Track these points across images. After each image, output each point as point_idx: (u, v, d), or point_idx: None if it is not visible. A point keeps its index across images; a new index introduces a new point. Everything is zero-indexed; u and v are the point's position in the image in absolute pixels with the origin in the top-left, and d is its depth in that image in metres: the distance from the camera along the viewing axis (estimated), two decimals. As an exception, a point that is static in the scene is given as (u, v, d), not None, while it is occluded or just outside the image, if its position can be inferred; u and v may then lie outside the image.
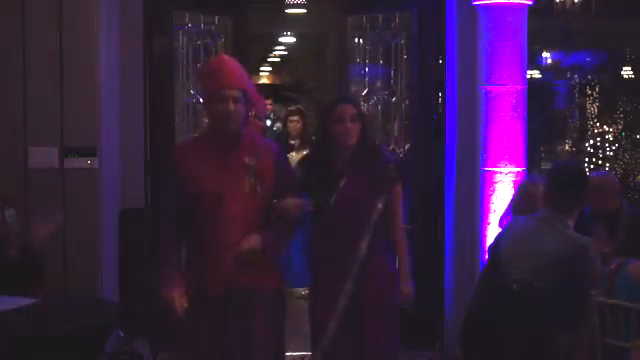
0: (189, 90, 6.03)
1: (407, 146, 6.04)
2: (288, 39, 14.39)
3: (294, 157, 6.73)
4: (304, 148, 7.08)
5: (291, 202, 3.72)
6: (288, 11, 10.84)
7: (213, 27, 6.16)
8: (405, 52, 6.04)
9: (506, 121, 5.28)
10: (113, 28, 5.38)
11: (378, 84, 6.23)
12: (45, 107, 5.09)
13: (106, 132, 5.24)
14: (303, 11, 10.80)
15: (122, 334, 5.02)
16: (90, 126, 5.14)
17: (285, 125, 7.80)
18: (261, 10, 9.38)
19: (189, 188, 3.64)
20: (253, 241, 3.61)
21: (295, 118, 7.52)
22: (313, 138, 4.50)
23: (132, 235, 5.36)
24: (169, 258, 3.68)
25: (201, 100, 3.87)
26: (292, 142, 7.47)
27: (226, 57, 3.88)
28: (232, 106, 3.59)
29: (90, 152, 5.12)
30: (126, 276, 5.35)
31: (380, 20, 6.13)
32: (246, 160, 3.66)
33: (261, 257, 3.64)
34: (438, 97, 5.89)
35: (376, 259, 4.01)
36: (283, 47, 15.65)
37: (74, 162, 5.12)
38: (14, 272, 4.30)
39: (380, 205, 4.00)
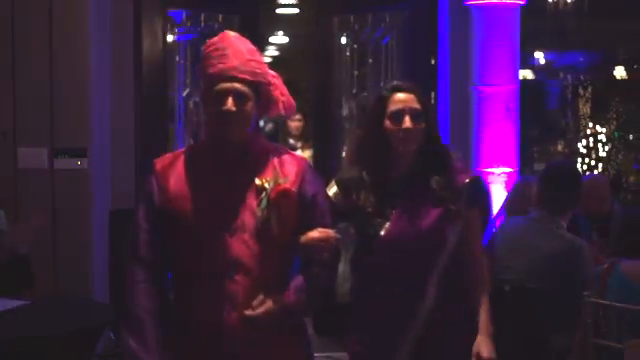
0: (184, 90, 6.01)
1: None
2: (279, 39, 14.38)
3: None
4: (308, 148, 7.15)
5: (319, 235, 2.62)
6: (279, 11, 10.83)
7: (217, 26, 6.10)
8: (396, 52, 6.03)
9: (499, 121, 5.27)
10: (104, 27, 5.35)
11: (368, 84, 6.21)
12: (35, 107, 5.07)
13: (96, 132, 5.21)
14: (294, 11, 10.79)
15: (113, 336, 4.99)
16: (80, 127, 5.12)
17: (280, 125, 7.80)
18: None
19: (170, 221, 2.63)
20: (268, 305, 2.57)
21: (298, 117, 7.50)
22: (357, 143, 3.13)
23: (123, 235, 5.32)
24: (142, 329, 2.60)
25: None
26: (292, 142, 7.48)
27: (231, 34, 2.71)
28: (232, 105, 2.56)
29: (80, 153, 5.10)
30: (117, 277, 5.32)
31: (370, 20, 6.11)
32: (257, 182, 2.63)
33: (280, 324, 2.63)
34: (430, 97, 5.88)
35: (446, 316, 2.87)
36: (274, 47, 15.64)
37: (64, 163, 5.09)
38: (3, 273, 4.28)
39: (453, 238, 2.85)
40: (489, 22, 5.29)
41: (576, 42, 12.02)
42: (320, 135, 6.50)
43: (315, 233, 2.62)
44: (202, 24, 6.07)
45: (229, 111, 2.57)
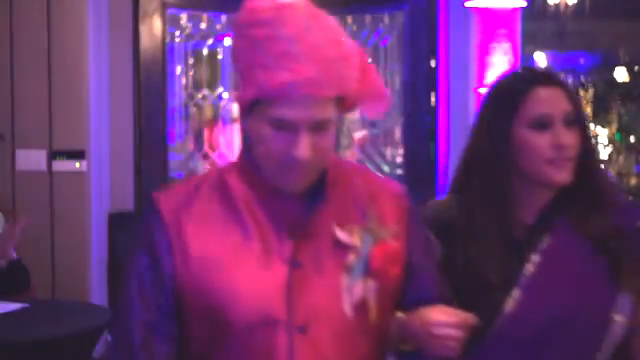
0: (185, 92, 5.98)
1: (400, 150, 6.02)
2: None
3: None
4: None
5: (449, 318, 1.56)
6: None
7: (218, 27, 6.05)
8: (395, 53, 6.00)
9: (499, 123, 5.26)
10: (102, 28, 5.32)
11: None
12: (33, 109, 5.05)
13: (95, 134, 5.19)
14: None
15: (111, 339, 4.97)
16: (79, 129, 5.10)
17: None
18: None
19: (191, 308, 1.61)
20: None
21: None
22: (464, 164, 2.00)
23: (121, 238, 5.32)
24: None
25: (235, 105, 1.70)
26: None
27: (300, 7, 1.58)
28: (306, 149, 1.53)
29: (78, 155, 5.08)
30: (115, 279, 5.31)
31: (368, 21, 6.08)
32: (339, 234, 1.59)
33: None
34: (430, 99, 5.86)
35: None
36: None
37: (62, 165, 5.08)
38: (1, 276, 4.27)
39: (620, 317, 1.79)
40: (489, 24, 5.27)
41: (577, 44, 12.01)
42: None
43: (442, 314, 1.55)
44: (204, 25, 6.03)
45: (303, 157, 1.52)
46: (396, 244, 1.60)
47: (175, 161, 5.94)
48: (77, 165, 5.08)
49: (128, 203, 5.46)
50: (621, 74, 12.91)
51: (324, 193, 1.63)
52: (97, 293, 5.16)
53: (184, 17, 5.94)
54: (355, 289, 1.55)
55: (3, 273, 4.27)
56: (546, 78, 1.89)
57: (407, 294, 1.66)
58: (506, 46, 5.28)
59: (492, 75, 5.28)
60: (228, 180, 1.66)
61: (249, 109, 1.59)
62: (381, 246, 1.57)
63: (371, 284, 1.56)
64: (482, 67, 5.29)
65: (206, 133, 6.16)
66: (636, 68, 12.62)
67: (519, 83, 1.88)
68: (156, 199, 1.68)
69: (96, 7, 5.20)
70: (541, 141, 1.82)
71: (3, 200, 4.87)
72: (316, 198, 1.63)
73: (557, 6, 8.99)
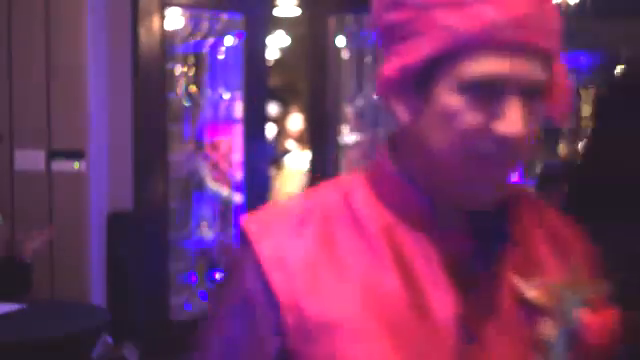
0: (185, 92, 5.98)
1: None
2: (281, 39, 14.40)
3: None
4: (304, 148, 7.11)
5: None
6: (278, 13, 10.82)
7: (219, 26, 6.04)
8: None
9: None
10: (101, 27, 5.32)
11: (366, 86, 6.17)
12: (32, 109, 5.04)
13: (94, 134, 5.18)
14: (296, 12, 10.78)
15: (111, 340, 4.96)
16: (78, 129, 5.09)
17: (279, 127, 7.76)
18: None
19: None
20: None
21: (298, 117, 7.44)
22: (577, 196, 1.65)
23: (120, 238, 5.32)
24: None
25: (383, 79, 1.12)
26: (293, 144, 7.42)
27: None
28: (521, 120, 0.99)
29: (77, 155, 5.07)
30: (114, 280, 5.30)
31: (368, 20, 6.07)
32: (529, 294, 1.04)
33: None
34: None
35: None
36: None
37: (61, 165, 5.07)
38: (1, 276, 4.26)
39: None
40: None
41: (579, 43, 12.01)
42: (316, 138, 6.44)
43: None
44: (205, 24, 6.01)
45: (514, 137, 1.01)
46: (611, 308, 1.05)
47: (175, 161, 5.93)
48: (76, 165, 5.07)
49: (127, 203, 5.46)
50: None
51: (504, 224, 1.10)
52: (96, 293, 5.15)
53: (184, 17, 5.93)
54: None
55: (2, 270, 4.28)
56: None
57: None
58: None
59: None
60: (357, 201, 1.12)
61: (419, 78, 1.06)
62: (594, 311, 1.02)
63: (570, 352, 1.02)
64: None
65: (206, 133, 6.16)
66: (637, 68, 12.61)
67: None
68: (248, 230, 1.11)
69: (95, 6, 5.19)
70: None
71: (2, 200, 4.86)
72: (491, 232, 1.09)
73: (559, 6, 8.99)
